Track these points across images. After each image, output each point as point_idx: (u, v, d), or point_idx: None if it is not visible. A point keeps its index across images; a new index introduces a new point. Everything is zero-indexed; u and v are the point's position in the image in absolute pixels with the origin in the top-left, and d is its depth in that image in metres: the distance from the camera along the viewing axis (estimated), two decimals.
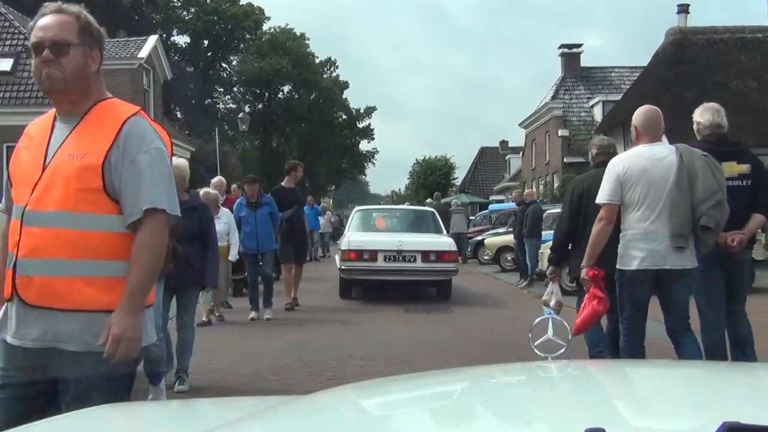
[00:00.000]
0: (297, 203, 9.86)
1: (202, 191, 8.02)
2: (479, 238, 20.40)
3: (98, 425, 1.75)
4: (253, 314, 9.06)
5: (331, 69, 57.72)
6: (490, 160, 53.32)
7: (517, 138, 53.93)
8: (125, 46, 23.24)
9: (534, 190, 15.04)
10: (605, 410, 1.30)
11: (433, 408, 1.51)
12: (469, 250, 20.87)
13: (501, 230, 19.38)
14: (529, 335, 1.90)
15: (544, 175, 30.19)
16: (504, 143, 54.06)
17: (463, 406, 1.47)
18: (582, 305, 4.56)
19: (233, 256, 8.61)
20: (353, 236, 11.51)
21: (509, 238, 16.99)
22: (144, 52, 22.89)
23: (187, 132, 36.80)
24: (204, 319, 8.26)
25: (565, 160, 27.05)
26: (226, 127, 49.12)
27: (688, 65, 18.05)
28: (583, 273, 4.49)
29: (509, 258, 16.79)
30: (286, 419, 1.46)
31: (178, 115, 47.02)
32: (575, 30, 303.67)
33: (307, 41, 55.24)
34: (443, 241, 11.33)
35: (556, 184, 27.76)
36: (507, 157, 47.84)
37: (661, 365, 2.18)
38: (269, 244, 9.15)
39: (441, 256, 10.86)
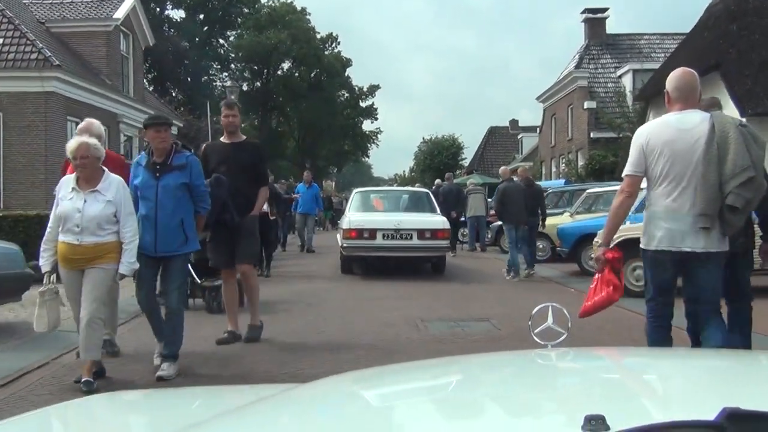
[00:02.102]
0: (241, 170, 6.12)
1: (77, 143, 4.78)
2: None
3: (94, 414, 1.78)
4: (159, 364, 5.23)
5: (333, 46, 55.21)
6: (499, 140, 51.80)
7: (526, 118, 52.14)
8: (99, 6, 20.63)
9: (508, 168, 12.84)
10: (605, 397, 1.31)
11: (433, 396, 1.51)
12: (489, 236, 18.31)
13: None
14: (529, 323, 1.83)
15: (566, 153, 27.52)
16: (514, 122, 52.80)
17: (463, 394, 1.48)
18: (593, 285, 4.28)
19: (127, 267, 4.84)
20: (354, 216, 12.16)
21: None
22: (120, 13, 20.30)
23: (181, 109, 34.57)
24: (85, 379, 4.67)
25: (591, 135, 24.38)
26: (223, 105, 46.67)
27: (754, 17, 15.31)
28: (600, 252, 4.23)
29: (541, 246, 14.23)
30: (286, 407, 1.47)
31: (173, 93, 44.66)
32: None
33: (308, 16, 52.62)
34: (437, 220, 12.11)
35: (580, 162, 25.16)
36: (519, 136, 45.66)
37: (660, 353, 2.20)
38: (177, 243, 5.20)
39: (435, 233, 11.64)
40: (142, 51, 22.80)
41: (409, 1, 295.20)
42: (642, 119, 18.51)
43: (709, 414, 0.90)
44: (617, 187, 14.02)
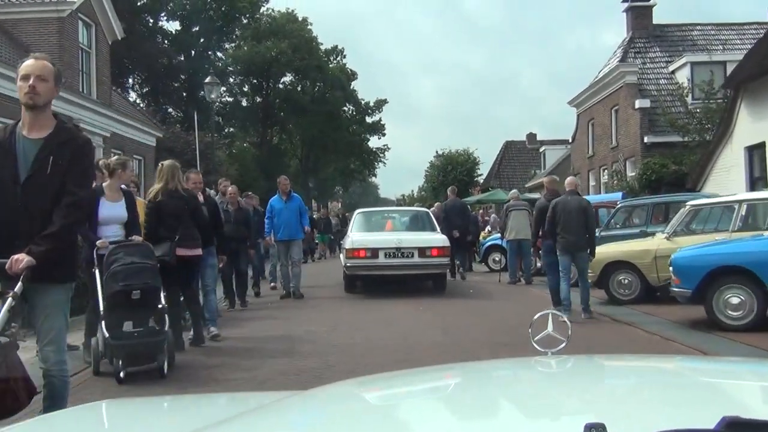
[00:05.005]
0: None
1: None
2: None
3: (98, 420, 1.77)
4: None
5: (338, 58, 51.83)
6: (516, 155, 48.40)
7: (540, 134, 48.87)
8: None
9: (575, 179, 9.72)
10: (605, 406, 1.29)
11: (434, 402, 1.51)
12: (535, 264, 14.35)
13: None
14: (529, 330, 1.79)
15: (609, 163, 23.59)
16: (531, 136, 49.56)
17: (463, 400, 1.46)
18: None
19: None
20: (356, 236, 12.51)
21: (621, 249, 10.61)
22: None
23: (177, 126, 31.44)
24: None
25: (645, 140, 20.45)
26: (221, 120, 43.64)
27: None
28: None
29: (626, 281, 10.32)
30: (289, 413, 1.44)
31: (172, 111, 41.54)
32: (597, 25, 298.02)
33: (309, 26, 49.25)
34: (437, 238, 12.31)
35: (630, 173, 21.26)
36: (542, 149, 41.91)
37: (661, 360, 2.13)
38: None
39: (435, 251, 11.85)
40: (109, 45, 19.16)
41: (418, 17, 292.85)
42: (731, 110, 14.69)
43: (709, 422, 0.88)
44: (730, 198, 10.00)
